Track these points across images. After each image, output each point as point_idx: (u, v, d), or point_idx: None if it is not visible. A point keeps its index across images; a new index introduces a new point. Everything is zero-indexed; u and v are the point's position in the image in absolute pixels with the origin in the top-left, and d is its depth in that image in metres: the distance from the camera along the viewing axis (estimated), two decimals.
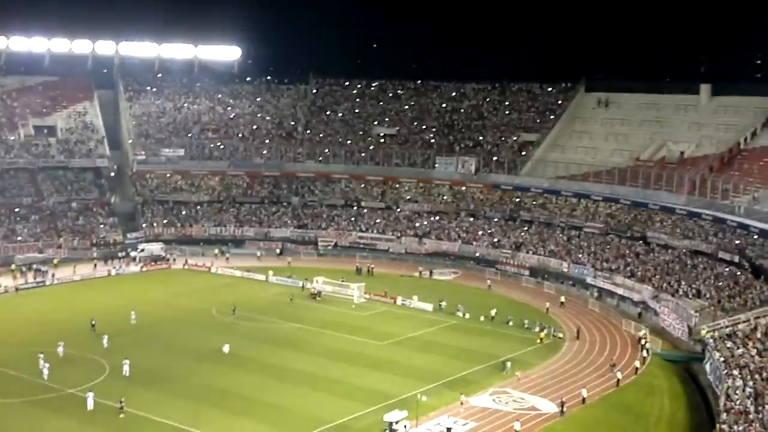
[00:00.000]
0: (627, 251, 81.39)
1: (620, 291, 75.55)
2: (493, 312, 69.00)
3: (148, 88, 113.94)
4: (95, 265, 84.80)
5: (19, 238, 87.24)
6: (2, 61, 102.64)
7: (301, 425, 44.39)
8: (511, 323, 67.41)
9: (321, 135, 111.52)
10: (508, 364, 55.92)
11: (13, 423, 43.74)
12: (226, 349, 56.54)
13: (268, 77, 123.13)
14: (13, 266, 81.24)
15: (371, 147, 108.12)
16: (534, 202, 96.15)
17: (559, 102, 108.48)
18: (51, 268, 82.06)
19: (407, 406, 45.90)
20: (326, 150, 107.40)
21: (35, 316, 66.19)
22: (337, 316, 68.58)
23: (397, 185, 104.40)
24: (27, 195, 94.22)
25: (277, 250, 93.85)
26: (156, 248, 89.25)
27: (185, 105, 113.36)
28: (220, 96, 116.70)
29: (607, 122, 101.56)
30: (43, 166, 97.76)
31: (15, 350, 55.71)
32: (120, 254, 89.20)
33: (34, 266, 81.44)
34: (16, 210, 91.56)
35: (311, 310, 70.88)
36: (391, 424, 43.26)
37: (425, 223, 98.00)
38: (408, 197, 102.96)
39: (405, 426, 43.45)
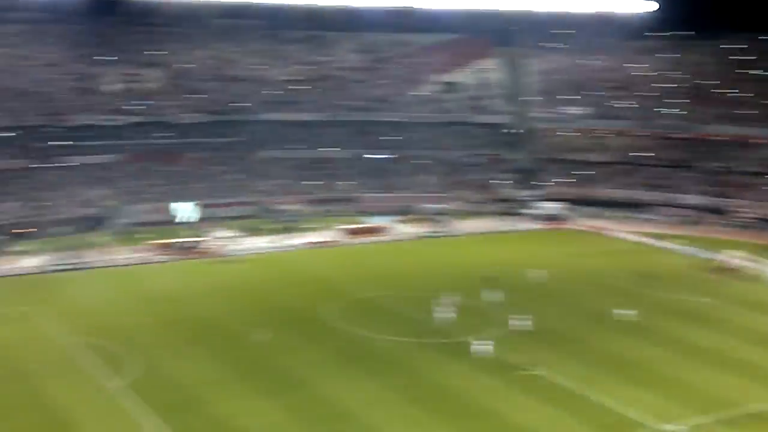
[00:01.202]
0: None
1: None
2: None
3: (551, 44, 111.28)
4: (492, 220, 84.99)
5: (423, 189, 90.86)
6: (411, 19, 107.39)
7: (706, 406, 37.97)
8: None
9: (739, 96, 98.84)
10: None
11: (408, 360, 44.22)
12: (625, 314, 51.72)
13: (684, 32, 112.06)
14: (415, 216, 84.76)
15: None
16: None
17: None
18: (449, 219, 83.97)
19: None
20: (746, 112, 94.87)
21: (434, 264, 67.89)
22: (757, 295, 59.00)
23: None
24: (430, 148, 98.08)
25: (685, 218, 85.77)
26: (553, 207, 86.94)
27: (589, 61, 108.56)
28: (627, 52, 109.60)
29: None
30: (445, 121, 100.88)
31: (414, 294, 56.97)
32: (517, 211, 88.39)
33: (433, 216, 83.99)
34: (420, 162, 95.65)
35: (723, 285, 61.87)
36: None
37: None
38: None
39: None
